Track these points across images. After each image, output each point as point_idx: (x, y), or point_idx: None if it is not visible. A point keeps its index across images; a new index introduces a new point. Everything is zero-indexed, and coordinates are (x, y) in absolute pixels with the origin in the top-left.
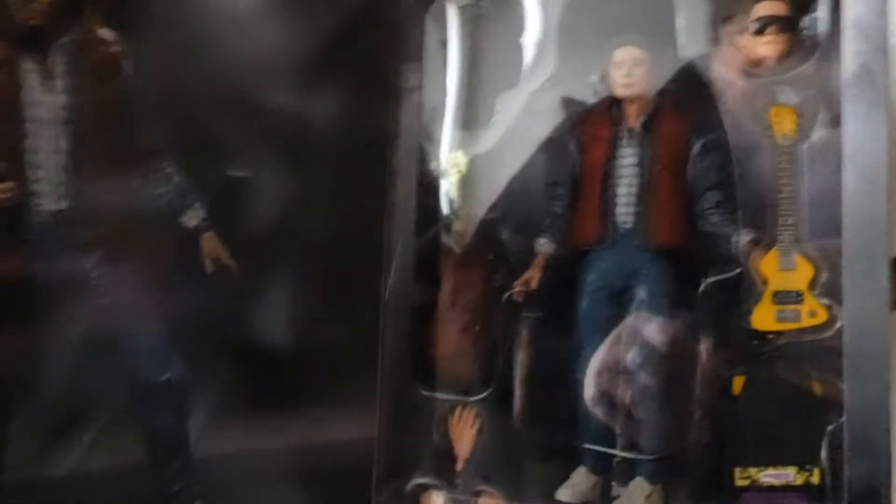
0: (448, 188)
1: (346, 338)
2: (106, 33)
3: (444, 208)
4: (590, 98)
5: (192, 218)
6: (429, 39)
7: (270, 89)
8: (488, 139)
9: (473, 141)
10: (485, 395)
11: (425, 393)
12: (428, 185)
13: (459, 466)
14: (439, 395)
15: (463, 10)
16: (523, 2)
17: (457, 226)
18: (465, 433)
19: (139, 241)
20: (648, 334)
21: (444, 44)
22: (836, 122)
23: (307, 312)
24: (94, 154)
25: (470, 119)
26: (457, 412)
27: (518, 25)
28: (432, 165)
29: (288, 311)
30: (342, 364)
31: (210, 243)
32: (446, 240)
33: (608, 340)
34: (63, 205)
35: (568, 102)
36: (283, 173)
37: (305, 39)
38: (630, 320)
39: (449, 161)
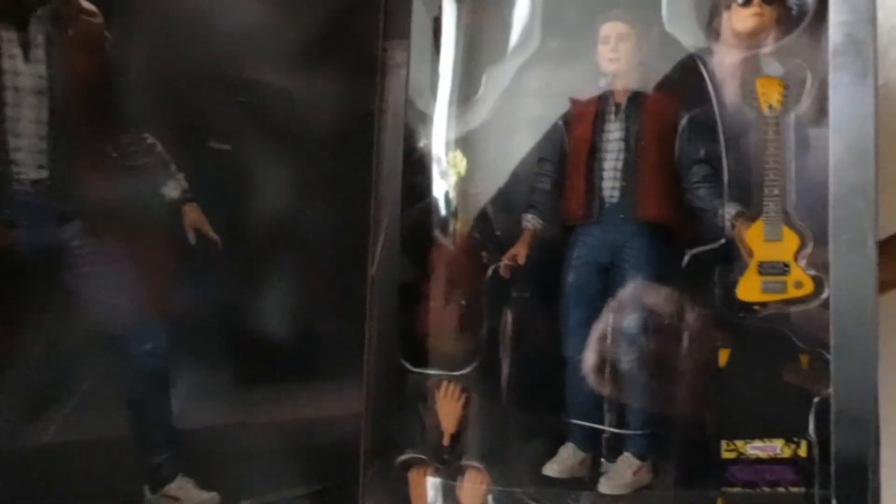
0: (447, 190)
1: (332, 313)
2: (86, 4)
3: (441, 204)
4: (585, 84)
5: (174, 189)
6: (416, 15)
7: (254, 64)
8: (476, 116)
9: (462, 119)
10: (470, 369)
11: (412, 368)
12: (415, 162)
13: (446, 442)
14: (426, 371)
15: None
16: None
17: (455, 225)
18: (451, 408)
19: (120, 212)
20: (643, 302)
21: (433, 20)
22: (822, 93)
23: (293, 287)
24: (75, 124)
25: (458, 96)
26: (443, 387)
27: (504, 1)
28: (420, 143)
29: (274, 286)
30: (329, 339)
31: (192, 214)
32: (443, 239)
33: (606, 310)
34: (43, 174)
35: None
36: (266, 149)
37: (291, 15)
38: (625, 290)
39: (448, 162)
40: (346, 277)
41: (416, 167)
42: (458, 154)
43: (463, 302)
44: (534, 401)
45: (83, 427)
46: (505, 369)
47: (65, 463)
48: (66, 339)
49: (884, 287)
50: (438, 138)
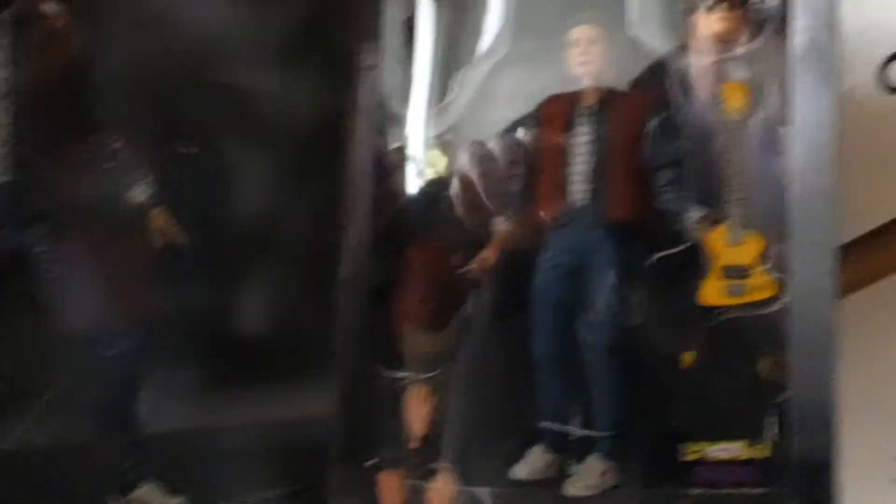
0: (422, 190)
1: (303, 315)
2: (51, 7)
3: (415, 205)
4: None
5: (141, 193)
6: (388, 18)
7: (226, 67)
8: (449, 118)
9: (436, 120)
10: (440, 371)
11: (382, 371)
12: (388, 164)
13: (416, 444)
14: (396, 373)
15: None
16: None
17: (427, 227)
18: (419, 411)
19: (86, 215)
20: (600, 309)
21: (404, 22)
22: (787, 97)
23: (265, 289)
24: (41, 127)
25: (433, 98)
26: (412, 390)
27: (475, 4)
28: (393, 144)
29: (245, 288)
30: (301, 341)
31: (159, 218)
32: (415, 241)
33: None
34: (7, 178)
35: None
36: (237, 151)
37: (262, 17)
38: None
39: (426, 161)
40: (318, 279)
41: (390, 169)
42: (437, 153)
43: (434, 304)
44: (504, 403)
45: (48, 433)
46: (475, 371)
47: (29, 465)
48: (30, 344)
49: (853, 286)
50: (413, 139)
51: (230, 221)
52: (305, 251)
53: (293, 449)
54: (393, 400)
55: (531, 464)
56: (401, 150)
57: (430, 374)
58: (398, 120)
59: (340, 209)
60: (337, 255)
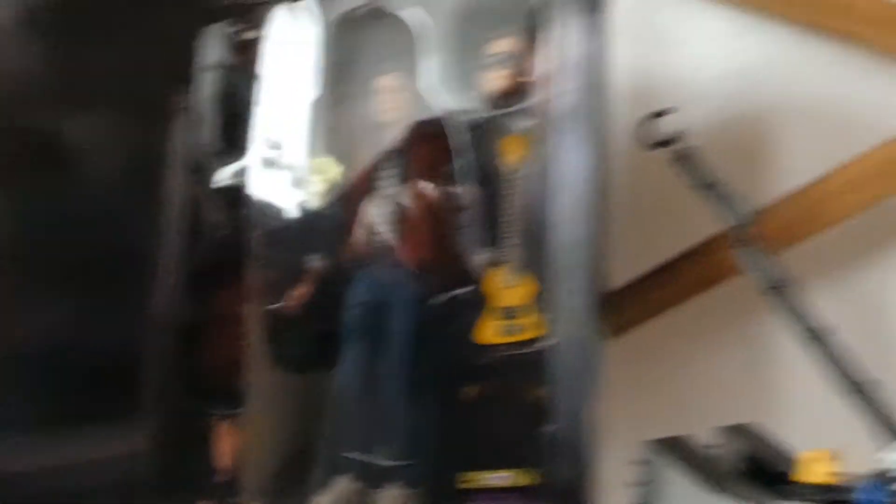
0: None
1: (116, 352)
2: None
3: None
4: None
5: None
6: (203, 61)
7: (35, 110)
8: (260, 158)
9: (248, 158)
10: (250, 406)
11: (193, 406)
12: (201, 202)
13: (224, 478)
14: (207, 409)
15: (235, 34)
16: (290, 29)
17: (245, 264)
18: (228, 445)
19: None
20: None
21: (216, 66)
22: (553, 151)
23: (78, 328)
24: None
25: (245, 139)
26: (221, 425)
27: (286, 51)
28: (207, 183)
29: (57, 328)
30: (110, 377)
31: None
32: (230, 278)
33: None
34: None
35: None
36: (49, 192)
37: (75, 59)
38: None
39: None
40: (132, 317)
41: (202, 207)
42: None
43: (244, 341)
44: (310, 435)
45: None
46: (284, 404)
47: None
48: None
49: (627, 326)
50: (234, 176)
51: (43, 261)
52: (115, 289)
53: (105, 487)
54: (205, 435)
55: (335, 493)
56: (220, 189)
57: (241, 410)
58: (215, 159)
59: (156, 247)
60: (149, 292)
